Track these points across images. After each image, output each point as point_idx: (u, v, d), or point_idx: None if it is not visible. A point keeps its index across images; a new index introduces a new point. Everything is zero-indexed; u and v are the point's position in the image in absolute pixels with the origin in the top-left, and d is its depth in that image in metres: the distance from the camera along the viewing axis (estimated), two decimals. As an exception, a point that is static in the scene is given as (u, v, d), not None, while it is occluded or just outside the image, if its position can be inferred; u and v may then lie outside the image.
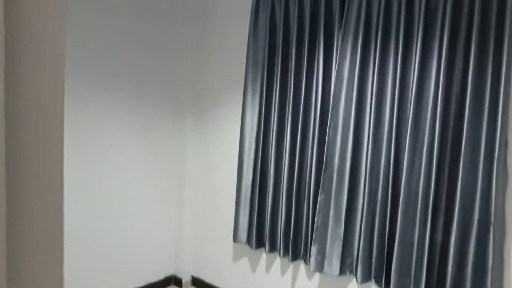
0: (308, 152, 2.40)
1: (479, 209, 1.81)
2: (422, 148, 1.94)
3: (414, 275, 2.00)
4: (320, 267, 2.32)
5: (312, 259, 2.33)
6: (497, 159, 1.74)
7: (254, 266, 2.85)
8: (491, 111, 1.77)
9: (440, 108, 1.88)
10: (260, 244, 2.72)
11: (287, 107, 2.47)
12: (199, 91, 3.10)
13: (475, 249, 1.83)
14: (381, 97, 2.11)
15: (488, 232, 1.79)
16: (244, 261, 2.91)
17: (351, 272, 2.29)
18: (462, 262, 1.88)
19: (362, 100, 2.18)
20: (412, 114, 1.96)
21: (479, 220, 1.82)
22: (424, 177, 1.93)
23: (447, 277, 1.91)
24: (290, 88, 2.43)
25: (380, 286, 2.18)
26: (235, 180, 2.83)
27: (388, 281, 2.13)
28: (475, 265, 1.84)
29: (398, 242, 2.03)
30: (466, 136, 1.82)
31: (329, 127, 2.23)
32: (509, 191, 1.81)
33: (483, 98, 1.79)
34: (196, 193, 3.18)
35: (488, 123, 1.77)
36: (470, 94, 1.80)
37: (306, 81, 2.37)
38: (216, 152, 3.02)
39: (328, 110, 2.26)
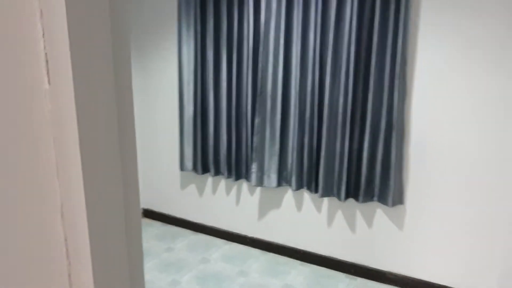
0: (243, 80, 2.61)
1: (385, 118, 2.21)
2: (341, 70, 2.25)
3: (338, 178, 2.41)
4: (260, 182, 2.67)
5: (253, 176, 2.66)
6: (398, 75, 2.11)
7: (201, 190, 3.15)
8: (394, 35, 2.09)
9: (354, 34, 2.16)
10: (205, 169, 2.99)
11: (221, 38, 2.62)
12: (137, 28, 3.11)
13: (382, 150, 2.26)
14: (306, 26, 2.34)
15: (391, 136, 2.21)
16: (192, 188, 3.19)
17: (287, 183, 2.66)
18: (373, 162, 2.31)
19: (290, 29, 2.39)
20: (333, 40, 2.23)
21: (385, 127, 2.22)
22: (343, 95, 2.26)
23: (361, 176, 2.34)
24: (223, 20, 2.56)
25: (311, 191, 2.58)
26: (178, 113, 3.01)
27: (317, 187, 2.54)
28: (382, 163, 2.28)
29: (324, 153, 2.40)
30: (375, 58, 2.15)
31: (262, 56, 2.45)
32: (407, 102, 2.22)
33: (387, 25, 2.10)
34: (141, 127, 3.31)
35: (392, 45, 2.10)
36: (377, 21, 2.10)
37: (238, 12, 2.51)
38: (157, 86, 3.14)
39: (260, 40, 2.46)
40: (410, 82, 2.20)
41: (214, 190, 3.09)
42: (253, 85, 2.56)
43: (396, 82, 2.12)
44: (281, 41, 2.40)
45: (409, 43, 2.15)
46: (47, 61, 0.40)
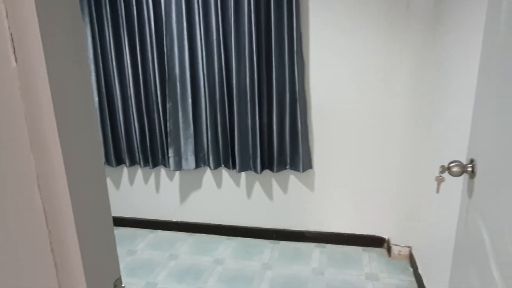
0: (149, 66, 2.58)
1: (289, 93, 2.41)
2: (245, 51, 2.38)
3: (252, 153, 2.57)
4: (178, 166, 2.70)
5: (171, 161, 2.69)
6: (296, 51, 2.31)
7: (117, 183, 3.06)
8: (289, 14, 2.28)
9: (254, 16, 2.29)
10: (119, 161, 2.91)
11: (120, 23, 2.54)
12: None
13: (290, 122, 2.47)
14: (207, 8, 2.40)
15: (296, 108, 2.43)
16: (107, 182, 3.07)
17: (205, 163, 2.75)
18: (282, 133, 2.52)
19: (191, 12, 2.43)
20: (233, 22, 2.34)
21: (290, 101, 2.43)
22: (249, 74, 2.40)
23: (274, 147, 2.54)
24: (120, 3, 2.48)
25: (229, 168, 2.71)
26: (80, 106, 2.85)
27: (234, 163, 2.67)
28: (291, 134, 2.50)
29: (237, 130, 2.53)
30: (274, 37, 2.32)
31: (166, 40, 2.45)
32: (306, 75, 2.45)
33: (282, 6, 2.27)
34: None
35: (288, 23, 2.29)
36: (273, 3, 2.26)
37: (135, -3, 2.46)
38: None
39: (162, 24, 2.45)
40: (307, 58, 2.43)
41: (131, 181, 3.02)
42: (160, 70, 2.55)
43: (295, 58, 2.32)
44: (184, 25, 2.43)
45: (302, 22, 2.36)
46: (12, 40, 0.42)
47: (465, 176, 1.22)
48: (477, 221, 1.14)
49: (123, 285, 0.57)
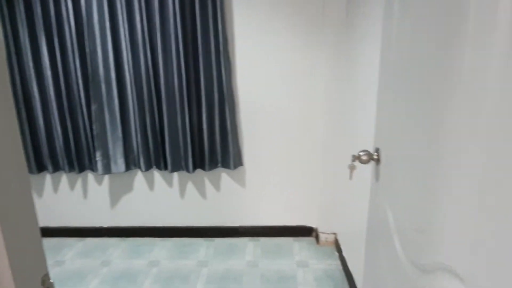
0: (71, 66, 2.48)
1: (218, 93, 2.48)
2: (171, 51, 2.39)
3: (184, 152, 2.59)
4: (107, 169, 2.63)
5: (99, 164, 2.60)
6: (223, 53, 2.38)
7: (39, 191, 2.88)
8: (214, 14, 2.34)
9: (179, 17, 2.31)
10: (41, 168, 2.74)
11: (36, 22, 2.40)
12: None
13: (219, 121, 2.54)
14: (131, 8, 2.37)
15: (224, 108, 2.50)
16: (27, 191, 2.88)
17: (135, 165, 2.70)
18: (212, 132, 2.58)
19: (114, 12, 2.38)
20: (159, 22, 2.34)
21: (219, 100, 2.49)
22: (177, 75, 2.42)
23: (205, 147, 2.58)
24: (35, 2, 2.35)
25: (160, 169, 2.69)
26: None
27: (166, 163, 2.67)
28: (221, 133, 2.56)
29: (167, 131, 2.53)
30: (201, 39, 2.36)
31: (88, 40, 2.37)
32: (234, 75, 2.53)
33: (207, 8, 2.33)
34: None
35: (213, 23, 2.35)
36: (198, 5, 2.30)
37: (52, -6, 2.34)
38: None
39: (83, 23, 2.37)
40: (233, 58, 2.51)
41: (55, 188, 2.87)
42: (83, 70, 2.46)
43: (222, 59, 2.39)
44: (107, 24, 2.37)
45: (227, 23, 2.44)
46: None
47: (373, 163, 1.39)
48: (383, 202, 1.31)
49: (51, 280, 0.58)
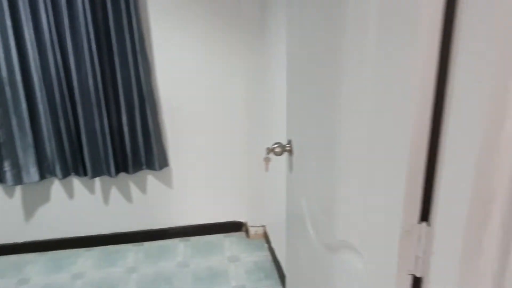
0: (-32, 70, 2.24)
1: (137, 92, 2.41)
2: (83, 50, 2.27)
3: (104, 156, 2.48)
4: (19, 180, 2.42)
5: (8, 175, 2.39)
6: (139, 51, 2.32)
7: None
8: (128, 14, 2.27)
9: (90, 14, 2.20)
10: None
11: None
12: None
13: (140, 122, 2.47)
14: (35, 5, 2.20)
15: (145, 107, 2.44)
16: None
17: (51, 173, 2.52)
18: (134, 134, 2.50)
19: (16, 9, 2.20)
20: (68, 20, 2.20)
21: (138, 100, 2.43)
22: (91, 75, 2.30)
23: (127, 149, 2.50)
24: None
25: (80, 175, 2.55)
26: None
27: (85, 169, 2.53)
28: (143, 133, 2.50)
29: (85, 135, 2.40)
30: (115, 37, 2.27)
31: (-14, 40, 2.16)
32: (153, 74, 2.49)
33: (119, 4, 2.25)
34: None
35: (128, 24, 2.28)
36: (109, 1, 2.22)
37: None
38: None
39: (-21, 22, 2.16)
40: (151, 56, 2.46)
41: (-43, 205, 2.58)
42: (-18, 73, 2.24)
43: (139, 57, 2.33)
44: (8, 23, 2.18)
45: (143, 21, 2.38)
46: None
47: (287, 155, 1.46)
48: (297, 190, 1.38)
49: None
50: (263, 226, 2.81)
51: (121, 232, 2.78)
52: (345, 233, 0.97)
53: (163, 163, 2.62)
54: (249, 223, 2.82)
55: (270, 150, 1.40)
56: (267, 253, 2.63)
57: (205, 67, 2.53)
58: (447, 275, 0.63)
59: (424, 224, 0.68)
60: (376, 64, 0.73)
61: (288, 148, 1.40)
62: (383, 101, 0.72)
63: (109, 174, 2.51)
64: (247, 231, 2.85)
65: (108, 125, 2.42)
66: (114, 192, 2.70)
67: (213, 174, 2.75)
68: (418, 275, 0.71)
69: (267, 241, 2.70)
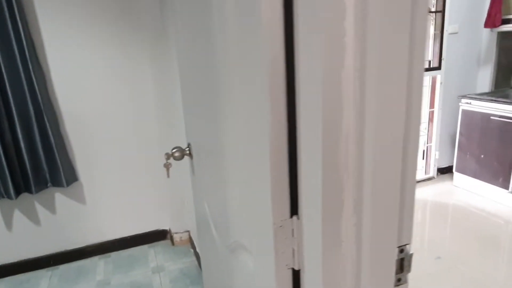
0: None
1: (32, 105, 2.20)
2: (-39, 61, 2.02)
3: (1, 178, 2.23)
4: None
5: None
6: (30, 60, 2.12)
7: None
8: (13, 22, 2.06)
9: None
10: None
11: None
12: None
13: (40, 137, 2.26)
14: None
15: (43, 120, 2.24)
16: None
17: None
18: (34, 150, 2.29)
19: None
20: None
21: (35, 114, 2.22)
22: (-26, 88, 2.06)
23: (27, 167, 2.28)
24: None
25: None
26: None
27: (-22, 194, 2.26)
28: (44, 149, 2.29)
29: (-27, 155, 2.14)
30: (0, 46, 2.06)
31: None
32: (50, 85, 2.29)
33: (2, 11, 2.03)
34: None
35: (14, 31, 2.07)
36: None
37: None
38: None
39: None
40: (45, 64, 2.26)
41: None
42: None
43: (30, 66, 2.13)
44: None
45: (31, 25, 2.18)
46: None
47: (189, 159, 1.43)
48: (200, 193, 1.36)
49: None
50: (187, 231, 2.75)
51: (32, 258, 2.54)
52: (237, 234, 0.96)
53: (71, 178, 2.44)
54: (173, 230, 2.75)
55: (170, 155, 1.35)
56: (193, 259, 2.57)
57: (109, 72, 2.39)
58: (316, 265, 0.64)
59: (295, 218, 0.69)
60: (239, 82, 0.73)
61: (187, 152, 1.37)
62: (247, 107, 0.72)
63: (9, 197, 2.27)
64: (172, 239, 2.77)
65: (1, 144, 2.19)
66: (18, 216, 2.45)
67: (129, 183, 2.62)
68: (296, 268, 0.72)
69: (193, 246, 2.65)
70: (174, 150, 1.35)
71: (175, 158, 1.35)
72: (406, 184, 0.57)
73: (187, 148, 1.37)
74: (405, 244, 0.62)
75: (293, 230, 0.70)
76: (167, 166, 1.39)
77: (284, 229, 0.70)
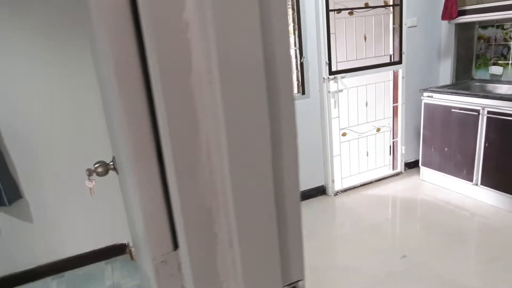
0: None
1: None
2: None
3: None
4: None
5: None
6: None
7: None
8: None
9: None
10: None
11: None
12: None
13: (-26, 153, 2.10)
14: None
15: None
16: None
17: None
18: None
19: None
20: None
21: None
22: None
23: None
24: None
25: None
26: None
27: None
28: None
29: None
30: None
31: None
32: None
33: None
34: None
35: None
36: None
37: None
38: None
39: None
40: (-23, 76, 2.09)
41: None
42: None
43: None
44: None
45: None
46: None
47: (115, 173, 1.30)
48: (129, 210, 1.24)
49: None
50: (146, 244, 2.61)
51: (-24, 284, 2.36)
52: (144, 264, 0.85)
53: (14, 195, 2.27)
54: (132, 244, 2.60)
55: (92, 171, 1.23)
56: (151, 273, 2.44)
57: (48, 85, 2.23)
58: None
59: (178, 250, 0.59)
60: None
61: (111, 167, 1.25)
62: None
63: None
64: (131, 253, 2.63)
65: None
66: (-44, 240, 2.27)
67: (79, 197, 2.47)
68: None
69: (151, 259, 2.51)
70: (96, 166, 1.22)
71: (98, 174, 1.23)
72: (285, 206, 0.47)
73: (111, 162, 1.25)
74: (297, 281, 0.52)
75: (180, 264, 0.59)
76: (90, 184, 1.27)
77: (167, 265, 0.59)
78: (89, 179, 1.25)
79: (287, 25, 0.39)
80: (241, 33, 0.37)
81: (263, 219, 0.45)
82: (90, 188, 1.27)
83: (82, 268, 2.58)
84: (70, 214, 2.47)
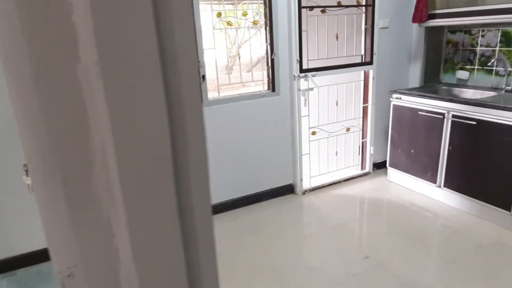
0: None
1: None
2: None
3: None
4: None
5: None
6: None
7: None
8: None
9: None
10: None
11: None
12: None
13: None
14: None
15: None
16: None
17: None
18: None
19: None
20: None
21: None
22: None
23: None
24: None
25: None
26: None
27: None
28: None
29: None
30: None
31: None
32: None
33: None
34: None
35: None
36: None
37: None
38: None
39: None
40: None
41: None
42: None
43: None
44: None
45: None
46: None
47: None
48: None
49: None
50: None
51: None
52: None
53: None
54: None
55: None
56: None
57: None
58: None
59: (90, 261, 0.52)
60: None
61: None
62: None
63: None
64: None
65: None
66: None
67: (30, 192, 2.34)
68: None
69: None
70: (35, 161, 1.13)
71: (37, 171, 1.14)
72: (194, 221, 0.42)
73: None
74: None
75: (92, 277, 0.53)
76: (28, 180, 1.17)
77: (74, 279, 0.53)
78: (26, 175, 1.16)
79: (190, 9, 0.34)
80: (128, 15, 0.32)
81: (163, 233, 0.40)
82: (28, 185, 1.18)
83: (35, 266, 2.45)
84: (23, 208, 2.35)
